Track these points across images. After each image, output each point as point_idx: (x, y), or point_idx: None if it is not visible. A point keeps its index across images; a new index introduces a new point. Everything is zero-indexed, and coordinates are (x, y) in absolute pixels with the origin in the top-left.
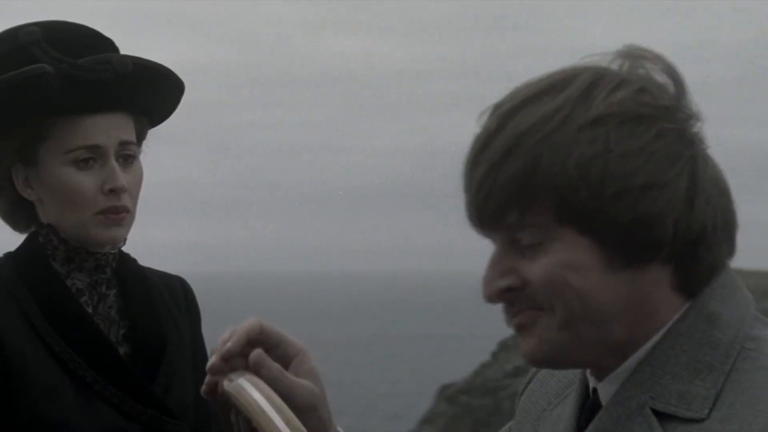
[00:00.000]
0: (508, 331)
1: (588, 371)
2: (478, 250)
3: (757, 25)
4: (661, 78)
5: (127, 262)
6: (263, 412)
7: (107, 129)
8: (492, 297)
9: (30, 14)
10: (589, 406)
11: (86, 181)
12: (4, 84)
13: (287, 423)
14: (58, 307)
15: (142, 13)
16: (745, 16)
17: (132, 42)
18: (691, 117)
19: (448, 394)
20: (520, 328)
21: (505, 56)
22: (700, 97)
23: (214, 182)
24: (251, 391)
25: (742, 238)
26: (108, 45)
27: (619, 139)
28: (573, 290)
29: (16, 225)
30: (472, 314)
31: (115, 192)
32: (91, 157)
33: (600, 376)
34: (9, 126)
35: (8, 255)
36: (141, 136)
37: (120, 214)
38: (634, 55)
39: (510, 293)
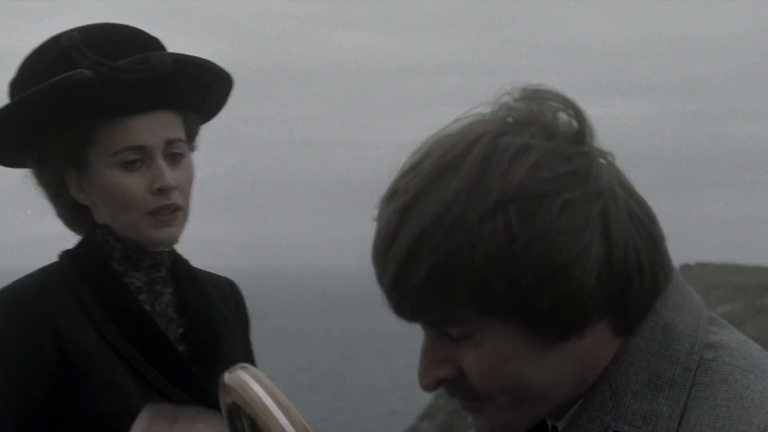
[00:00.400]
0: None
1: None
2: None
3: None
4: (562, 118)
5: (180, 261)
6: (267, 409)
7: (152, 128)
8: (429, 388)
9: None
10: (543, 428)
11: (134, 182)
12: (45, 91)
13: (292, 422)
14: (118, 304)
15: (138, 9)
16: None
17: None
18: (596, 158)
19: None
20: (468, 410)
21: (505, 51)
22: (706, 91)
23: (214, 176)
24: (254, 387)
25: (740, 235)
26: (152, 44)
27: (521, 225)
28: (511, 380)
29: (73, 227)
30: None
31: (163, 191)
32: (138, 158)
33: (557, 416)
34: (55, 132)
35: (67, 253)
36: (191, 132)
37: (171, 214)
38: (529, 98)
39: (448, 383)
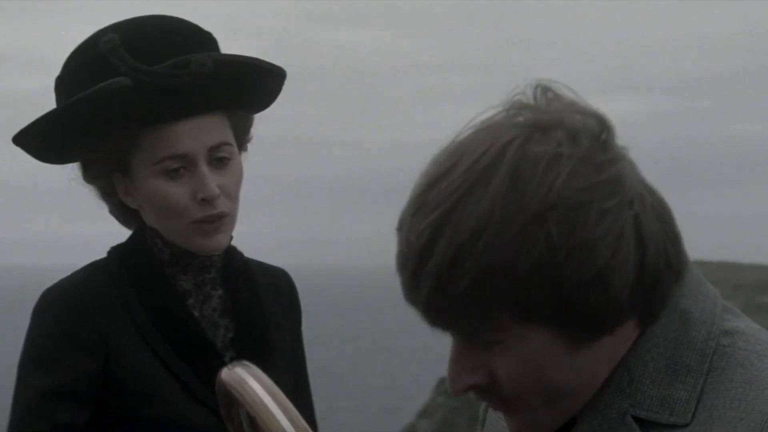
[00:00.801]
0: None
1: None
2: None
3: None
4: (581, 119)
5: (233, 257)
6: (266, 408)
7: (194, 135)
8: (460, 393)
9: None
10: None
11: (177, 191)
12: (83, 102)
13: (292, 422)
14: (164, 308)
15: (136, 7)
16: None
17: None
18: (622, 162)
19: (446, 388)
20: (499, 410)
21: (507, 50)
22: (713, 90)
23: None
24: (253, 385)
25: (740, 233)
26: (196, 41)
27: (561, 234)
28: (544, 383)
29: (126, 224)
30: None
31: (207, 201)
32: (181, 165)
33: None
34: (97, 140)
35: (116, 250)
36: (241, 131)
37: (216, 222)
38: (544, 97)
39: (479, 388)
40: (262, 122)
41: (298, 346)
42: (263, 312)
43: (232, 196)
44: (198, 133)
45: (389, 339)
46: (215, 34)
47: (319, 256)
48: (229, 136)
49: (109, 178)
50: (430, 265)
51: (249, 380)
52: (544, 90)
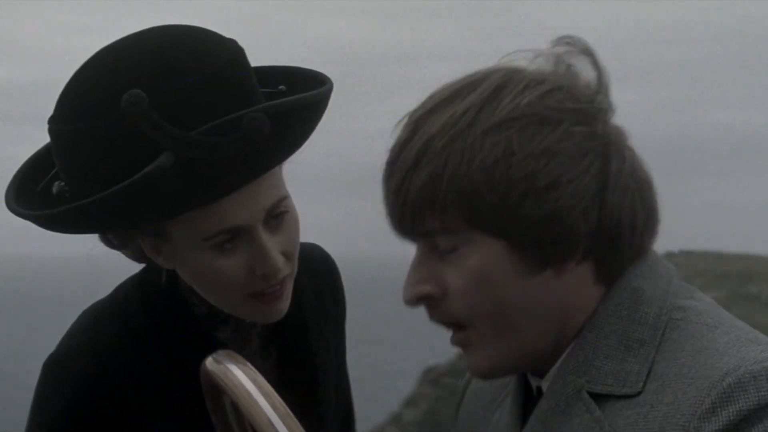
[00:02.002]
0: None
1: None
2: None
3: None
4: (586, 73)
5: None
6: (250, 396)
7: (249, 204)
8: (411, 301)
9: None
10: (527, 396)
11: (233, 265)
12: (123, 192)
13: (274, 408)
14: (197, 375)
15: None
16: None
17: (111, 21)
18: (606, 113)
19: (431, 377)
20: (460, 346)
21: (493, 38)
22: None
23: None
24: (238, 374)
25: (724, 222)
26: (236, 69)
27: (522, 141)
28: (491, 301)
29: (136, 260)
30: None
31: (269, 275)
32: (234, 236)
33: (541, 373)
34: (120, 229)
35: (141, 294)
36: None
37: (278, 291)
38: (558, 51)
39: (430, 300)
40: None
41: (341, 344)
42: (310, 343)
43: (294, 252)
44: (253, 200)
45: (374, 328)
46: (196, 21)
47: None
48: (283, 187)
49: (134, 240)
50: (400, 159)
51: (233, 368)
52: (564, 40)
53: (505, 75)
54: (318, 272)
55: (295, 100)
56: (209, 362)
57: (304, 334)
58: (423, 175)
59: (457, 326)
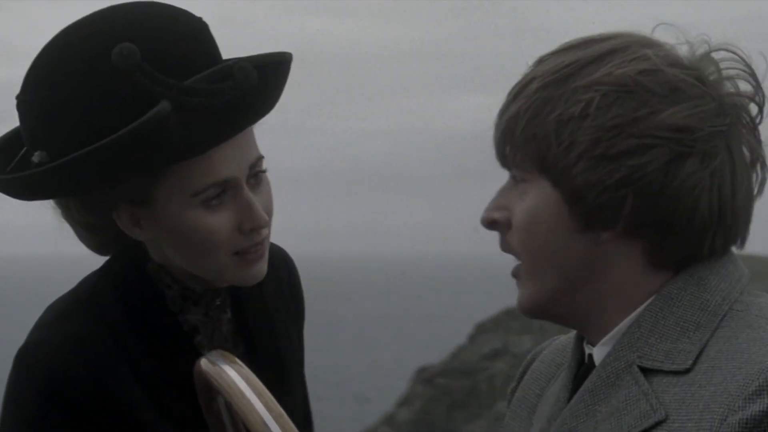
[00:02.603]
0: (484, 314)
1: (585, 341)
2: (455, 234)
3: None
4: (726, 71)
5: None
6: (243, 395)
7: (236, 157)
8: (483, 223)
9: None
10: (583, 371)
11: (220, 222)
12: (118, 143)
13: (267, 407)
14: (171, 359)
15: None
16: None
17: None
18: (720, 115)
19: (424, 377)
20: (514, 277)
21: (484, 37)
22: None
23: None
24: (231, 374)
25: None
26: (205, 34)
27: (599, 107)
28: (537, 241)
29: (102, 253)
30: (448, 297)
31: (255, 230)
32: (221, 191)
33: (593, 342)
34: (117, 182)
35: (110, 281)
36: None
37: (260, 249)
38: (706, 43)
39: (499, 227)
40: None
41: (300, 340)
42: (275, 333)
43: (271, 215)
44: (240, 152)
45: (367, 327)
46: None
47: (298, 244)
48: (258, 148)
49: (108, 213)
50: (510, 91)
51: (226, 368)
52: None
53: (624, 42)
54: (278, 269)
55: (271, 53)
56: (203, 362)
57: (270, 323)
58: (513, 109)
59: (516, 258)
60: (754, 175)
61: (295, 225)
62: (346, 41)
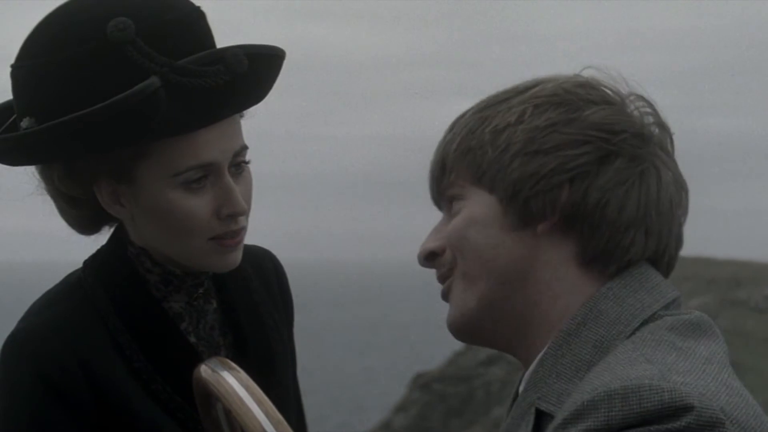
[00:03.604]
0: None
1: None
2: None
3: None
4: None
5: None
6: (243, 402)
7: (220, 141)
8: (420, 258)
9: None
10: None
11: (199, 205)
12: (105, 111)
13: (267, 415)
14: (160, 343)
15: None
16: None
17: None
18: (640, 124)
19: (421, 382)
20: (444, 298)
21: (479, 44)
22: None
23: None
24: (231, 381)
25: (711, 228)
26: (204, 24)
27: (534, 114)
28: (471, 245)
29: (86, 232)
30: (446, 303)
31: (233, 216)
32: (203, 175)
33: (525, 371)
34: (100, 153)
35: (94, 270)
36: None
37: (237, 238)
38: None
39: (435, 258)
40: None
41: (291, 339)
42: (263, 322)
43: (250, 206)
44: (224, 138)
45: (363, 333)
46: None
47: (294, 251)
48: (243, 138)
49: (89, 186)
50: (451, 129)
51: (225, 375)
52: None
53: (554, 75)
54: (265, 269)
55: (263, 45)
56: (203, 370)
57: (258, 317)
58: (448, 137)
59: (447, 277)
60: (678, 197)
61: (291, 230)
62: (340, 48)
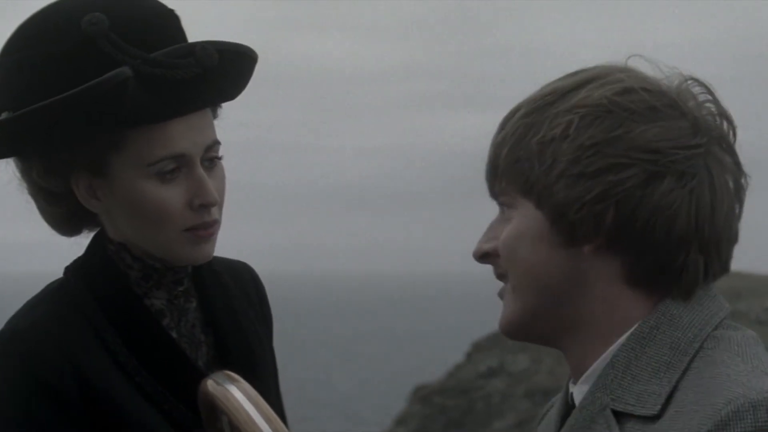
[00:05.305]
0: (481, 333)
1: (571, 379)
2: (451, 252)
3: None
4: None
5: (200, 265)
6: (249, 417)
7: (192, 133)
8: (475, 257)
9: None
10: (566, 411)
11: (172, 195)
12: (84, 96)
13: (274, 431)
14: (142, 336)
15: None
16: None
17: None
18: (693, 146)
19: (421, 395)
20: (500, 298)
21: (469, 56)
22: None
23: None
24: (238, 396)
25: None
26: (177, 24)
27: (579, 128)
28: (520, 259)
29: (67, 232)
30: (445, 315)
31: (205, 207)
32: (176, 166)
33: (575, 377)
34: (75, 142)
35: (76, 270)
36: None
37: (210, 230)
38: (679, 73)
39: (489, 258)
40: (233, 129)
41: (271, 351)
42: (242, 324)
43: (222, 201)
44: (195, 130)
45: (363, 345)
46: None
47: (292, 263)
48: (216, 134)
49: (67, 180)
50: (503, 129)
51: (232, 389)
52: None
53: (600, 71)
54: (243, 281)
55: (234, 42)
56: (210, 384)
57: (236, 319)
58: (500, 137)
59: (503, 276)
60: (736, 196)
61: (290, 243)
62: (342, 59)
